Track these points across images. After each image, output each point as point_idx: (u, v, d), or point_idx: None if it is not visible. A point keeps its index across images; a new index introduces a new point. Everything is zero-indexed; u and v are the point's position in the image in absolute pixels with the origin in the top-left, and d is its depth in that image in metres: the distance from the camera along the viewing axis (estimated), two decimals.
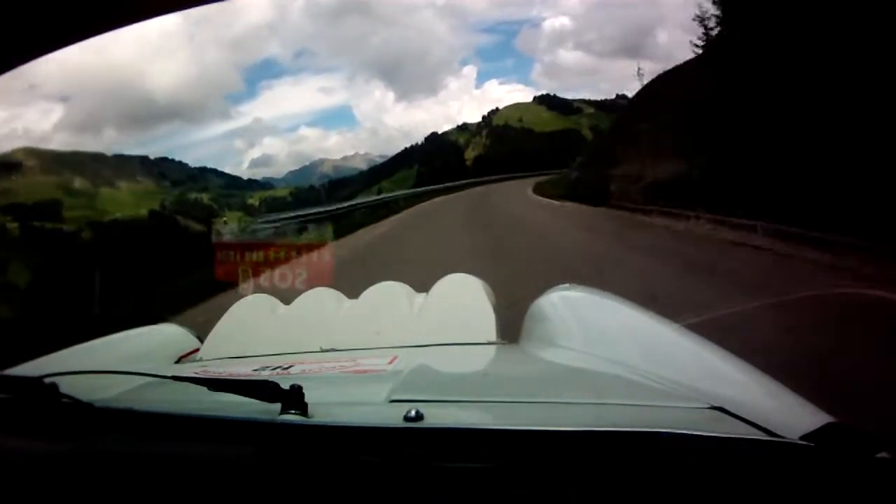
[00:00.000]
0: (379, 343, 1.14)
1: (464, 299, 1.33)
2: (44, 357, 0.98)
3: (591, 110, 28.87)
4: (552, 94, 29.68)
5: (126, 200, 21.19)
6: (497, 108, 29.24)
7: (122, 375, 0.76)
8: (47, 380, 0.61)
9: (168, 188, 23.34)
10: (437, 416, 0.57)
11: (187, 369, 1.02)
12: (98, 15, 0.75)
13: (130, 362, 1.02)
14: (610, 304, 1.05)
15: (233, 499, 0.50)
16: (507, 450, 0.49)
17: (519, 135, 27.54)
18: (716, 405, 0.61)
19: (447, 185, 18.16)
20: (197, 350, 1.25)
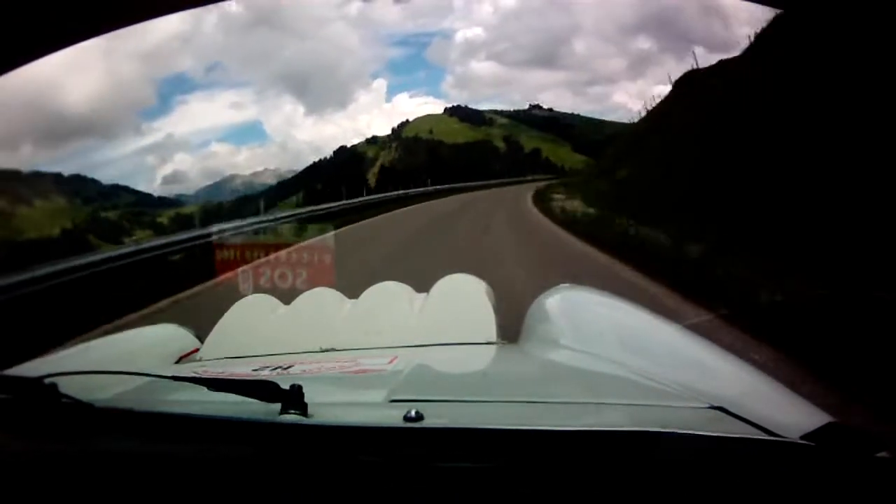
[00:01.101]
0: (379, 343, 1.14)
1: (464, 299, 1.33)
2: (44, 357, 0.98)
3: (504, 121, 28.69)
4: (464, 105, 29.42)
5: (40, 219, 20.49)
6: (407, 120, 28.87)
7: (122, 375, 0.76)
8: (47, 380, 0.61)
9: (80, 206, 22.73)
10: (437, 416, 0.57)
11: (187, 369, 1.02)
12: (99, 16, 0.75)
13: (130, 362, 1.02)
14: (610, 304, 1.05)
15: (233, 499, 0.50)
16: (507, 450, 0.49)
17: (429, 146, 27.10)
18: (716, 405, 0.61)
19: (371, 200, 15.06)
20: (197, 350, 1.26)
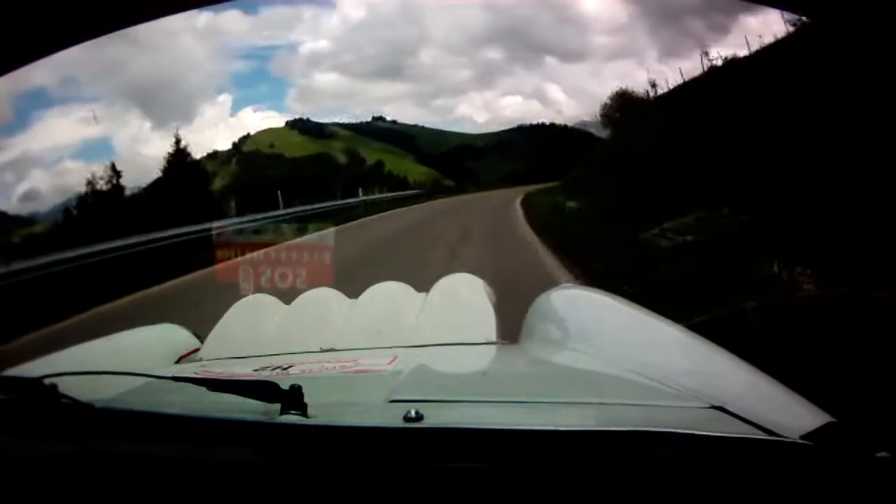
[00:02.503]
0: (379, 343, 1.14)
1: (464, 299, 1.33)
2: (44, 357, 0.98)
3: (346, 133, 28.17)
4: (306, 118, 28.57)
5: None
6: (248, 134, 27.77)
7: (122, 376, 0.76)
8: (47, 380, 0.61)
9: None
10: (436, 417, 0.57)
11: (187, 369, 1.02)
12: (99, 16, 0.75)
13: (130, 362, 1.02)
14: (610, 304, 1.05)
15: (233, 499, 0.50)
16: (507, 450, 0.49)
17: (269, 161, 26.36)
18: (716, 405, 0.61)
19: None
20: (197, 350, 1.26)
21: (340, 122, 29.13)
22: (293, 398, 0.57)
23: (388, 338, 1.17)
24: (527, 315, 1.12)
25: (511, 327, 1.16)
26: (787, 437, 0.51)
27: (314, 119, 28.50)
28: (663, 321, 0.90)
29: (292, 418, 0.56)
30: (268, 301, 1.45)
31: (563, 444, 0.49)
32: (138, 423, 0.60)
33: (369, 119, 28.96)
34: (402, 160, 27.81)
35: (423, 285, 1.46)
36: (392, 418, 0.56)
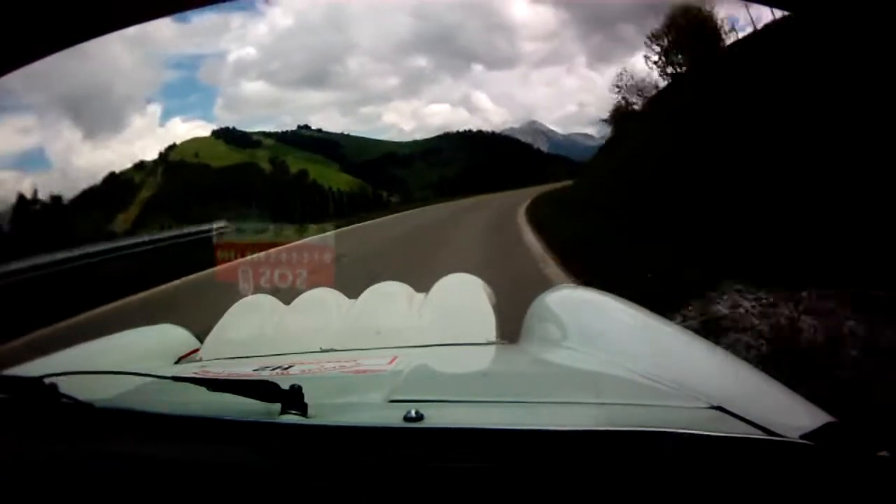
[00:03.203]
0: (379, 343, 1.14)
1: (464, 299, 1.33)
2: (44, 357, 0.98)
3: (271, 142, 27.94)
4: (232, 127, 28.46)
5: None
6: (175, 144, 27.37)
7: (122, 376, 0.76)
8: (47, 380, 0.61)
9: None
10: (437, 417, 0.57)
11: (187, 369, 1.02)
12: (99, 16, 0.75)
13: (130, 362, 1.02)
14: (610, 304, 1.05)
15: (233, 499, 0.50)
16: (507, 450, 0.49)
17: (194, 171, 25.92)
18: (716, 405, 0.61)
19: None
20: (197, 350, 1.26)
21: (266, 130, 28.84)
22: (293, 398, 0.57)
23: (387, 338, 1.17)
24: (526, 315, 1.12)
25: (511, 327, 1.16)
26: (787, 437, 0.51)
27: (240, 128, 28.24)
28: (663, 321, 0.90)
29: (292, 418, 0.56)
30: (267, 301, 1.45)
31: (563, 444, 0.49)
32: (138, 423, 0.60)
33: (295, 128, 28.92)
34: (327, 169, 27.62)
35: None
36: (392, 418, 0.57)
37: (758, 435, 0.53)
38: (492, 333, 1.14)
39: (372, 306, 1.35)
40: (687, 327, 0.90)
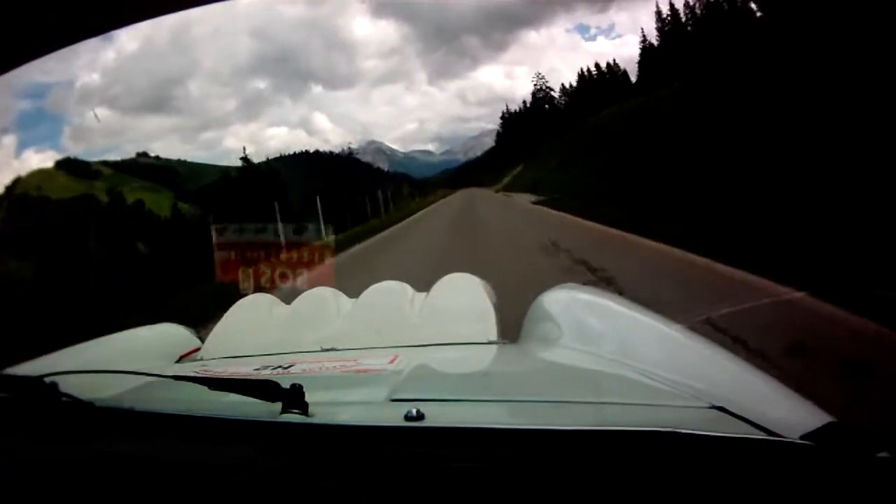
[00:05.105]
0: (379, 342, 1.14)
1: (464, 299, 1.33)
2: (44, 357, 0.98)
3: (110, 172, 26.78)
4: (73, 157, 26.51)
5: None
6: (20, 177, 25.18)
7: (122, 375, 0.76)
8: (47, 380, 0.61)
9: None
10: (437, 416, 0.57)
11: (188, 369, 1.02)
12: (99, 16, 0.75)
13: (131, 362, 1.02)
14: (610, 303, 1.05)
15: (234, 498, 0.50)
16: (508, 449, 0.49)
17: (35, 205, 23.76)
18: (716, 405, 0.61)
19: None
20: (197, 349, 1.26)
21: (107, 160, 27.51)
22: (294, 397, 0.57)
23: (388, 337, 1.17)
24: (526, 315, 1.12)
25: (511, 327, 1.16)
26: (787, 437, 0.51)
27: (84, 158, 26.79)
28: (663, 321, 0.90)
29: (293, 417, 0.56)
30: (268, 301, 1.45)
31: (563, 443, 0.49)
32: (139, 422, 0.60)
33: (133, 155, 28.08)
34: (162, 197, 26.54)
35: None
36: (393, 417, 0.57)
37: (758, 435, 0.53)
38: (492, 333, 1.14)
39: (372, 306, 1.35)
40: (687, 327, 0.90)
